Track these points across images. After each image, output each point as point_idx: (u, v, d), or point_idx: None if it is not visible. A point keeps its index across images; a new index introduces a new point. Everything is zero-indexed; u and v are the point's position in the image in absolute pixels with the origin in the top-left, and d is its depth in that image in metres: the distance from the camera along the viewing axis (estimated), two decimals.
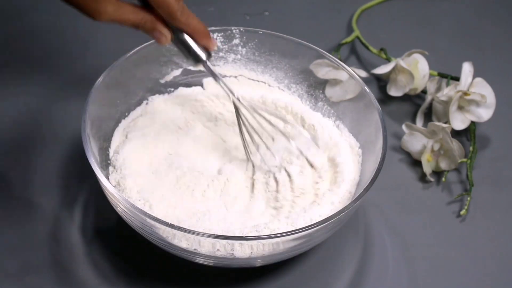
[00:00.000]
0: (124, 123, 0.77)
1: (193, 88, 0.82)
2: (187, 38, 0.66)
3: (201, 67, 0.69)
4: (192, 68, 0.81)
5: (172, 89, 0.81)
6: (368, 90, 0.74)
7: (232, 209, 0.70)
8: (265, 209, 0.70)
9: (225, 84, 0.70)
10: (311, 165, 0.74)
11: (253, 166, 0.73)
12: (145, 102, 0.79)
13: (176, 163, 0.72)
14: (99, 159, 0.70)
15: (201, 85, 0.82)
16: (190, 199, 0.70)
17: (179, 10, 0.64)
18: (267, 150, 0.73)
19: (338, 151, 0.75)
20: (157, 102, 0.80)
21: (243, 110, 0.72)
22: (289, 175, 0.72)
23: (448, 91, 0.84)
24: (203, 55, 0.68)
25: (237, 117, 0.72)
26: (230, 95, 0.71)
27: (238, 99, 0.71)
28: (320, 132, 0.77)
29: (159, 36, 0.65)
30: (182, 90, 0.81)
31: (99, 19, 0.61)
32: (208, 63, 0.68)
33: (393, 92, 0.88)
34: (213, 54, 0.81)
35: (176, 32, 0.66)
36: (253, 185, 0.72)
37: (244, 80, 0.83)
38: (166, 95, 0.81)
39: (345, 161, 0.74)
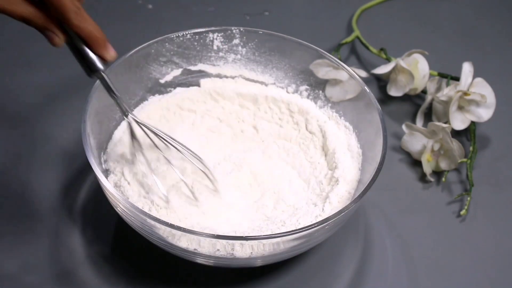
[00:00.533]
0: (123, 124, 0.77)
1: (189, 88, 0.82)
2: (80, 43, 0.61)
3: (97, 78, 0.64)
4: (192, 68, 0.81)
5: (172, 89, 0.81)
6: (368, 90, 0.74)
7: (232, 208, 0.70)
8: (265, 208, 0.70)
9: (122, 102, 0.66)
10: (313, 160, 0.74)
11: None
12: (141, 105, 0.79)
13: (173, 163, 0.72)
14: (99, 159, 0.70)
15: (198, 85, 0.82)
16: (190, 199, 0.70)
17: (73, 11, 0.59)
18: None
19: (338, 151, 0.75)
20: (151, 102, 0.80)
21: (137, 130, 0.68)
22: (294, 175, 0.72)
23: (448, 91, 0.84)
24: (98, 64, 0.62)
25: (131, 137, 0.69)
26: (128, 113, 0.67)
27: (134, 118, 0.67)
28: (320, 132, 0.77)
29: (51, 36, 0.60)
30: (178, 90, 0.82)
31: None
32: (104, 74, 0.63)
33: (393, 92, 0.88)
34: (213, 54, 0.81)
35: (72, 36, 0.61)
36: (258, 185, 0.72)
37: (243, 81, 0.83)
38: (158, 96, 0.81)
39: (345, 161, 0.74)
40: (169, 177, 0.71)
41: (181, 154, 0.70)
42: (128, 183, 0.70)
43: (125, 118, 0.68)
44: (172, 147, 0.70)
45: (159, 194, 0.69)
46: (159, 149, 0.70)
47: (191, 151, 0.70)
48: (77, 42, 0.61)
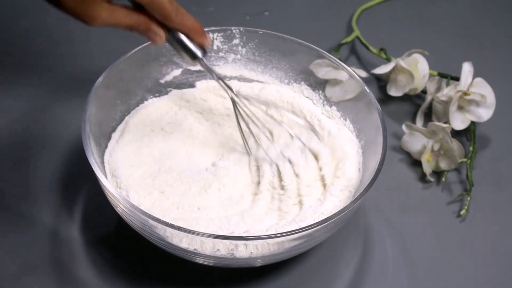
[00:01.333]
0: (122, 124, 0.77)
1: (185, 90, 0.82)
2: (182, 37, 0.67)
3: (197, 65, 0.69)
4: (192, 68, 0.81)
5: (171, 89, 0.81)
6: (368, 90, 0.74)
7: (232, 208, 0.70)
8: (267, 208, 0.70)
9: (222, 81, 0.71)
10: (315, 157, 0.74)
11: (254, 160, 0.73)
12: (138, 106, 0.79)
13: (171, 162, 0.72)
14: (99, 159, 0.70)
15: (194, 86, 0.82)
16: (190, 199, 0.70)
17: (174, 12, 0.64)
18: (270, 143, 0.74)
19: (338, 151, 0.75)
20: (149, 103, 0.80)
21: (241, 106, 0.72)
22: (295, 173, 0.72)
23: (448, 91, 0.84)
24: (198, 53, 0.68)
25: (235, 113, 0.73)
26: (229, 91, 0.71)
27: (236, 95, 0.72)
28: (321, 132, 0.77)
29: (153, 36, 0.65)
30: (174, 91, 0.82)
31: (93, 24, 0.61)
32: (204, 60, 0.69)
33: (393, 92, 0.88)
34: (213, 54, 0.81)
35: (171, 31, 0.66)
36: (258, 183, 0.72)
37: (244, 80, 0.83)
38: (158, 97, 0.81)
39: (345, 161, 0.74)
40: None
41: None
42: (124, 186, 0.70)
43: (229, 95, 0.72)
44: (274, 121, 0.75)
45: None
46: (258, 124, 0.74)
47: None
48: (179, 36, 0.67)
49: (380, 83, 0.93)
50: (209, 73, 0.70)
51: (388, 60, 0.92)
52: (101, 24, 0.62)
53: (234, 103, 0.72)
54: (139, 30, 0.64)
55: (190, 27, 0.66)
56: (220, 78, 0.71)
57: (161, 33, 0.65)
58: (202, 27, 0.67)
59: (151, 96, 0.80)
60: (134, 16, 0.63)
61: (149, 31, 0.65)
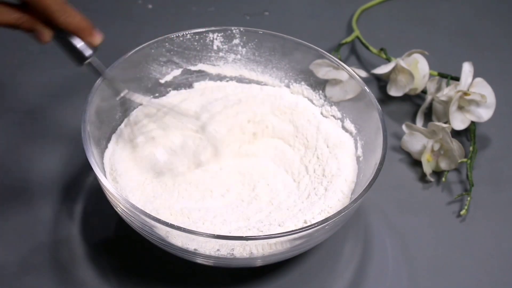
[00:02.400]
0: (122, 125, 0.77)
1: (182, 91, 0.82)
2: (68, 36, 0.63)
3: (87, 65, 0.66)
4: (192, 68, 0.81)
5: (171, 89, 0.81)
6: (368, 90, 0.74)
7: (232, 208, 0.70)
8: (265, 208, 0.70)
9: (115, 81, 0.69)
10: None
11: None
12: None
13: (170, 163, 0.73)
14: (99, 159, 0.70)
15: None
16: (190, 199, 0.70)
17: (58, 10, 0.61)
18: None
19: (338, 151, 0.75)
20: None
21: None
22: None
23: (448, 91, 0.84)
24: (87, 51, 0.64)
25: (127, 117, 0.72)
26: (122, 92, 0.70)
27: (127, 94, 0.70)
28: (320, 132, 0.77)
29: (38, 36, 0.62)
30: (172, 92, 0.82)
31: None
32: (93, 59, 0.65)
33: (393, 92, 0.88)
34: (213, 54, 0.81)
35: (57, 30, 0.63)
36: (254, 186, 0.72)
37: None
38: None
39: (345, 161, 0.74)
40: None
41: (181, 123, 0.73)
42: (124, 186, 0.70)
43: (117, 98, 0.69)
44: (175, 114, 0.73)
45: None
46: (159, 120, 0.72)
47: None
48: (64, 36, 0.63)
49: (380, 83, 0.93)
50: (98, 74, 0.67)
51: (388, 60, 0.92)
52: None
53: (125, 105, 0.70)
54: (23, 29, 0.61)
55: (77, 26, 0.62)
56: (112, 80, 0.68)
57: (46, 32, 0.62)
58: (90, 24, 0.63)
59: (151, 96, 0.80)
60: (16, 14, 0.60)
61: (34, 30, 0.62)
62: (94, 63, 0.66)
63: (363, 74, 0.88)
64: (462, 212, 0.77)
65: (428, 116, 0.87)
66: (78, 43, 0.64)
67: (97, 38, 0.64)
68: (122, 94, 0.70)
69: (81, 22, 0.63)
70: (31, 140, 0.81)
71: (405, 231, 0.76)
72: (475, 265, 0.73)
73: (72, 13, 0.62)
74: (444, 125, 0.79)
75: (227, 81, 0.83)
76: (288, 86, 0.82)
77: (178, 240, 0.63)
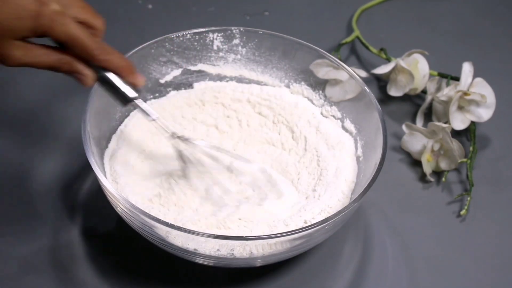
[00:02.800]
0: (122, 126, 0.77)
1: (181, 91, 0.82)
2: (111, 76, 0.62)
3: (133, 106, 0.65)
4: (192, 68, 0.81)
5: (171, 89, 0.81)
6: (368, 90, 0.74)
7: (231, 208, 0.70)
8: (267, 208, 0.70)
9: (162, 123, 0.67)
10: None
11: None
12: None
13: (171, 163, 0.72)
14: (99, 159, 0.70)
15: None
16: (190, 199, 0.70)
17: (97, 49, 0.59)
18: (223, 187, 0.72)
19: (338, 151, 0.75)
20: (149, 103, 0.79)
21: (185, 150, 0.69)
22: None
23: (448, 91, 0.84)
24: (131, 93, 0.63)
25: (179, 157, 0.70)
26: (167, 135, 0.68)
27: (178, 137, 0.68)
28: (320, 132, 0.77)
29: (80, 77, 0.60)
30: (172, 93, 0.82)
31: (8, 63, 0.57)
32: (138, 101, 0.64)
33: (393, 92, 0.88)
34: (213, 54, 0.81)
35: (99, 71, 0.61)
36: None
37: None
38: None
39: (345, 161, 0.74)
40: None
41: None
42: (124, 187, 0.70)
43: (167, 139, 0.68)
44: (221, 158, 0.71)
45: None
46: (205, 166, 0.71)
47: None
48: (106, 76, 0.62)
49: (380, 83, 0.93)
50: (144, 116, 0.66)
51: (388, 60, 0.92)
52: (16, 63, 0.57)
53: (176, 148, 0.69)
54: (63, 70, 0.60)
55: (117, 65, 0.61)
56: (160, 121, 0.67)
57: (88, 73, 0.60)
58: (131, 64, 0.63)
59: (151, 96, 0.80)
60: (55, 55, 0.59)
61: (75, 72, 0.60)
62: (137, 105, 0.65)
63: (363, 74, 0.88)
64: (462, 212, 0.77)
65: (428, 116, 0.87)
66: (122, 85, 0.63)
67: (140, 79, 0.64)
68: (167, 134, 0.68)
69: (121, 61, 0.62)
70: (31, 140, 0.81)
71: (405, 231, 0.75)
72: (475, 265, 0.73)
73: (111, 51, 0.61)
74: (444, 125, 0.79)
75: (227, 81, 0.83)
76: (288, 86, 0.82)
77: (178, 240, 0.63)
